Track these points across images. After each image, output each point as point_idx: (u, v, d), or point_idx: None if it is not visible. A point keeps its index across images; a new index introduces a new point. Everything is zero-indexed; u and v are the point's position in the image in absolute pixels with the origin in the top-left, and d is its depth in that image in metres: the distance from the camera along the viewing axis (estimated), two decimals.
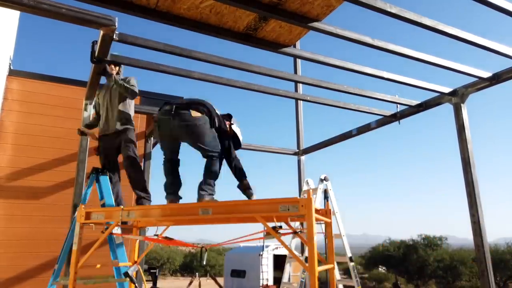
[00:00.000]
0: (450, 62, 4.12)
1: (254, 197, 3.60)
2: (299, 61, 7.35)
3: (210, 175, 3.48)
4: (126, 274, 3.31)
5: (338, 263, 4.99)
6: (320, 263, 2.84)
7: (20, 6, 2.87)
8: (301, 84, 6.90)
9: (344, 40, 3.53)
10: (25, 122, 5.34)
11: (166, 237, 3.41)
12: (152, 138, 6.40)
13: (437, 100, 5.09)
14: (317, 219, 2.63)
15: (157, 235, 3.49)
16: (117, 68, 4.05)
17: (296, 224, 3.98)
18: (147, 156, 6.27)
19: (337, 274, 4.80)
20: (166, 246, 35.61)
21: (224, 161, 3.71)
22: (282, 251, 16.54)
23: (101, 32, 3.26)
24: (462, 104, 4.70)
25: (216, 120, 3.59)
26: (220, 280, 18.22)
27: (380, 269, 27.56)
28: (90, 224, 3.30)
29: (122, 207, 3.11)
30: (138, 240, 3.97)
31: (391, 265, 24.96)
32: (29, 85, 5.49)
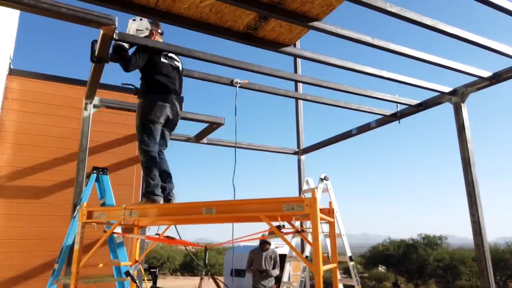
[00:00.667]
0: (450, 61, 4.12)
1: None
2: (299, 60, 7.35)
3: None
4: (127, 273, 3.31)
5: (338, 263, 4.98)
6: (323, 262, 2.85)
7: (20, 5, 2.87)
8: (301, 84, 6.90)
9: (344, 40, 3.53)
10: (25, 122, 5.34)
11: (167, 236, 3.41)
12: None
13: (437, 100, 5.09)
14: (321, 219, 2.64)
15: (158, 234, 3.49)
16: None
17: (296, 224, 3.99)
18: None
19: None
20: (167, 246, 35.60)
21: None
22: (282, 250, 16.54)
23: (101, 32, 3.26)
24: (462, 104, 4.70)
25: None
26: (220, 280, 18.20)
27: (380, 268, 27.57)
28: (92, 224, 3.29)
29: (124, 206, 3.11)
30: (139, 240, 3.97)
31: (391, 265, 24.98)
32: (29, 85, 5.48)
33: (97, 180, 4.04)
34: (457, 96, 4.74)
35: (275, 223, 2.63)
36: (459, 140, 4.62)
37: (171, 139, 6.59)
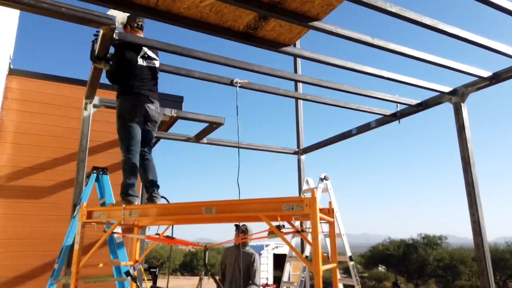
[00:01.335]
0: (450, 61, 4.11)
1: None
2: (299, 60, 7.35)
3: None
4: (128, 273, 3.31)
5: (338, 262, 4.98)
6: (323, 262, 2.85)
7: (20, 5, 2.87)
8: (301, 84, 6.89)
9: (344, 40, 3.53)
10: (25, 121, 5.34)
11: (167, 236, 3.41)
12: None
13: (437, 100, 5.09)
14: (321, 219, 2.64)
15: (158, 234, 3.49)
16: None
17: (296, 223, 3.99)
18: None
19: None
20: (166, 245, 35.62)
21: None
22: (282, 250, 16.54)
23: (101, 31, 3.26)
24: (462, 104, 4.70)
25: None
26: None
27: (380, 268, 27.59)
28: (92, 224, 3.29)
29: (124, 206, 3.11)
30: (139, 240, 3.97)
31: (391, 264, 24.99)
32: (29, 84, 5.48)
33: (97, 180, 4.04)
34: (457, 96, 4.74)
35: (275, 223, 2.63)
36: (459, 140, 4.61)
37: (171, 139, 6.66)
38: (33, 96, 5.46)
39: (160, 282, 3.89)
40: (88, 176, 4.05)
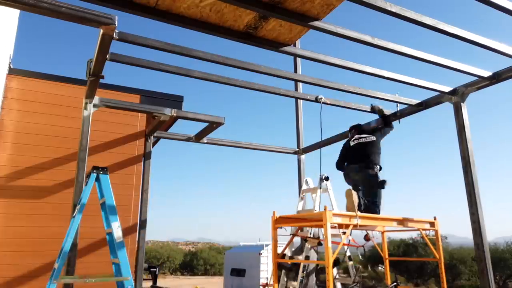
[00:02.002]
0: (450, 61, 4.11)
1: None
2: (299, 60, 7.35)
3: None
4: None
5: (338, 262, 4.99)
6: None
7: (20, 4, 2.87)
8: (301, 83, 6.89)
9: (344, 39, 3.53)
10: (25, 121, 5.33)
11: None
12: (151, 137, 6.40)
13: (437, 99, 5.09)
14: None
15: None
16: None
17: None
18: (147, 156, 6.27)
19: (334, 272, 4.81)
20: (166, 245, 35.61)
21: None
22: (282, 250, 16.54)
23: (101, 31, 3.26)
24: (462, 103, 4.69)
25: None
26: (220, 279, 18.23)
27: (380, 268, 27.57)
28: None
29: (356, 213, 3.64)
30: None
31: (391, 264, 24.95)
32: (29, 84, 5.48)
33: (97, 179, 4.02)
34: (457, 96, 4.74)
35: None
36: (459, 140, 4.61)
37: (170, 139, 6.71)
38: (33, 96, 5.45)
39: (160, 281, 3.89)
40: (88, 176, 4.05)
